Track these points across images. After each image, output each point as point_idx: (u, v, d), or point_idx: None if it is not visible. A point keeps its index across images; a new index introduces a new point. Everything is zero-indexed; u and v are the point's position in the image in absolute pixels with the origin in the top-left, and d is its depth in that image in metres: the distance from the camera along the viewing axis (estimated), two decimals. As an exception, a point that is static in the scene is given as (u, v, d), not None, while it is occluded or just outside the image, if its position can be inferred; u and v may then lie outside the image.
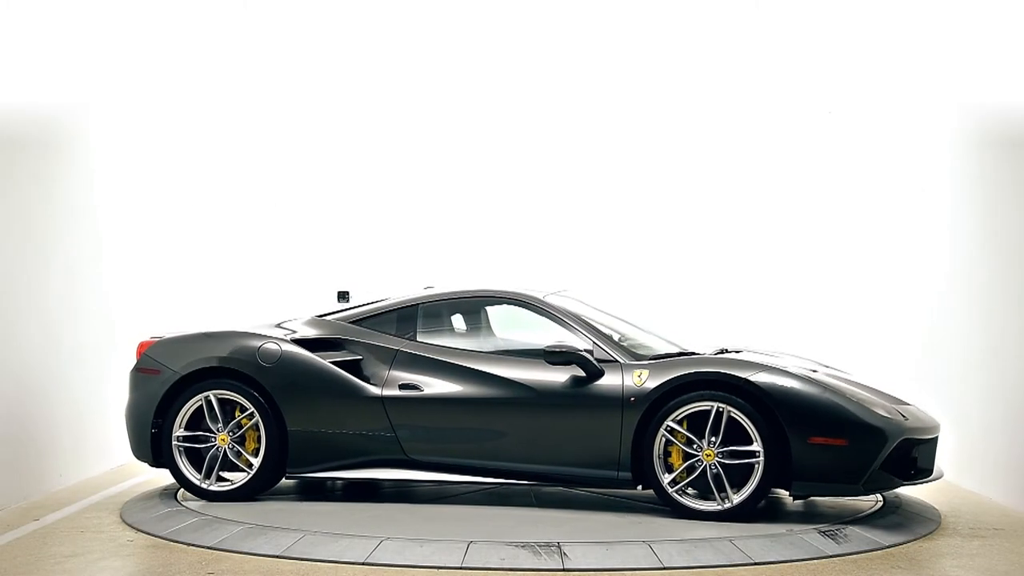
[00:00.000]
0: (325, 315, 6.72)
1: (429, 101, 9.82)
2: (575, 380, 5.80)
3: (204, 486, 6.16)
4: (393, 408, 6.03)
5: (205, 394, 6.21)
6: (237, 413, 6.22)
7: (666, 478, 5.57)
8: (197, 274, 9.39)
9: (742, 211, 9.65)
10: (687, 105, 9.75)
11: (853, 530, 5.31)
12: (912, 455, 5.60)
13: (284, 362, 6.19)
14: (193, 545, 5.11)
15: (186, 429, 6.23)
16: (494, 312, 6.62)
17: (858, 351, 8.88)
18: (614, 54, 9.79)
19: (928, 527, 5.52)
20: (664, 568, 4.61)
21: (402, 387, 6.07)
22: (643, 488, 5.71)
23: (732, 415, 5.46)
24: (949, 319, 7.25)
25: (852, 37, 8.96)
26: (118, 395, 8.09)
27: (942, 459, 7.30)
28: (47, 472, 6.76)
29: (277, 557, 4.84)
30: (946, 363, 7.29)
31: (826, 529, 5.31)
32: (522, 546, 4.88)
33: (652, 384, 5.62)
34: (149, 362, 6.37)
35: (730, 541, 5.03)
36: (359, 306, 6.79)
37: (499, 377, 5.96)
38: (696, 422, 5.56)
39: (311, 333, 6.45)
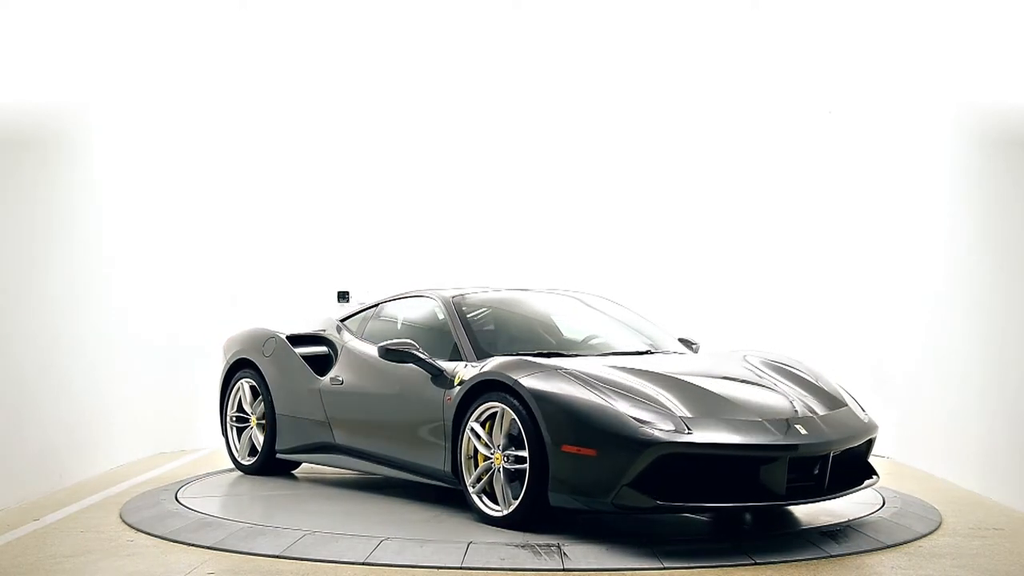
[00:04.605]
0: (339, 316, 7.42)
1: (431, 101, 9.81)
2: (430, 378, 5.91)
3: (240, 460, 7.28)
4: (325, 398, 6.70)
5: (241, 381, 7.30)
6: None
7: (470, 478, 5.49)
8: (198, 272, 9.38)
9: (742, 211, 9.65)
10: (686, 105, 9.75)
11: (853, 530, 5.31)
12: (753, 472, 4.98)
13: (275, 354, 7.11)
14: (193, 545, 5.11)
15: (237, 411, 7.35)
16: (557, 309, 6.77)
17: (858, 350, 8.89)
18: (614, 54, 9.79)
19: (928, 527, 5.51)
20: (664, 568, 4.60)
21: (332, 380, 6.69)
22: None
23: (512, 418, 5.23)
24: (948, 318, 7.25)
25: (852, 37, 8.96)
26: (119, 394, 8.10)
27: (942, 459, 7.33)
28: (47, 472, 6.77)
29: (277, 557, 4.84)
30: (945, 362, 7.29)
31: (826, 528, 5.31)
32: (522, 546, 4.88)
33: (464, 384, 5.59)
34: (223, 354, 7.59)
35: (731, 541, 5.04)
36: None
37: (384, 372, 6.30)
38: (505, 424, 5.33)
39: (308, 330, 7.25)
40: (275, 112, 9.66)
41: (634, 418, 4.90)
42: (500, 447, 5.31)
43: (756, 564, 4.68)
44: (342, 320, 7.18)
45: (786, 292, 9.43)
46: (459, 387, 5.63)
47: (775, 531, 5.34)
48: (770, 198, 9.59)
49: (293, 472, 7.32)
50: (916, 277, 7.89)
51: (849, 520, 5.53)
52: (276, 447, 7.03)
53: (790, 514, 5.69)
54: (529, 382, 5.19)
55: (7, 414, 6.21)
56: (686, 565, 4.65)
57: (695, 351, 6.69)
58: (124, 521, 5.72)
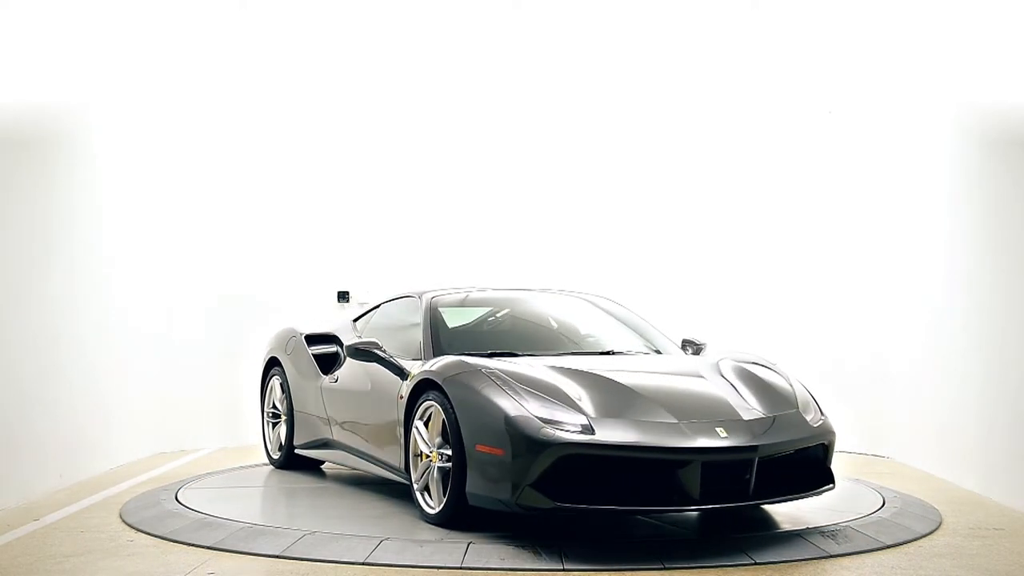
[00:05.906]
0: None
1: (431, 102, 9.81)
2: (398, 378, 5.93)
3: (271, 454, 7.57)
4: (325, 395, 6.85)
5: (273, 379, 7.59)
6: None
7: (415, 475, 5.53)
8: (198, 272, 9.37)
9: (742, 211, 9.65)
10: (687, 105, 9.74)
11: (853, 530, 5.31)
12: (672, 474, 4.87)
13: (294, 353, 7.32)
14: (193, 545, 5.11)
15: (272, 407, 7.62)
16: (545, 309, 6.81)
17: (858, 350, 8.89)
18: (614, 55, 9.78)
19: (928, 527, 5.52)
20: (664, 568, 4.60)
21: (330, 378, 6.85)
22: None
23: (443, 417, 5.26)
24: (948, 318, 7.25)
25: (852, 37, 8.96)
26: (119, 394, 8.10)
27: (942, 459, 7.33)
28: (47, 472, 6.76)
29: (277, 557, 4.84)
30: (945, 362, 7.29)
31: (826, 529, 5.31)
32: (522, 546, 4.88)
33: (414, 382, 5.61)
34: (264, 351, 7.83)
35: (732, 541, 5.04)
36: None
37: (364, 371, 6.38)
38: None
39: (325, 328, 7.39)
40: (275, 112, 9.66)
41: (539, 418, 4.88)
42: (437, 446, 5.35)
43: (756, 564, 4.68)
44: (354, 320, 7.32)
45: (786, 292, 9.43)
46: (407, 385, 5.68)
47: (775, 531, 5.34)
48: (770, 198, 9.58)
49: (321, 467, 7.45)
50: (916, 277, 7.89)
51: (849, 520, 5.53)
52: (294, 443, 7.23)
53: (789, 514, 5.68)
54: (454, 381, 5.24)
55: (7, 414, 6.21)
56: (686, 565, 4.65)
57: (698, 352, 6.61)
58: (124, 521, 5.72)
